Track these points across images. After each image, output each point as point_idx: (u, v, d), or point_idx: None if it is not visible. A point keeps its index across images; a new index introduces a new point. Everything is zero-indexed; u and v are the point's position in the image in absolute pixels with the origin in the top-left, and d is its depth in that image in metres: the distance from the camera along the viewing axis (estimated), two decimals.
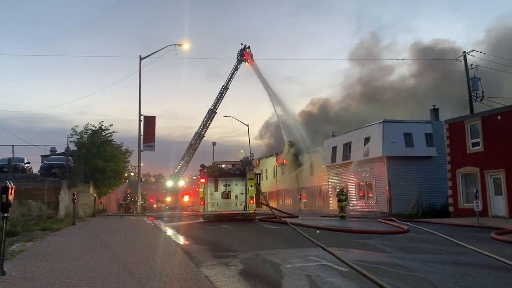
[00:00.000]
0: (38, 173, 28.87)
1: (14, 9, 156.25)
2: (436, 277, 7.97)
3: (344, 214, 27.23)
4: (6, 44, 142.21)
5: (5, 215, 7.21)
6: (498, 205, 23.81)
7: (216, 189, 23.81)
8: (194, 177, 69.40)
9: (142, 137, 33.28)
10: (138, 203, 34.32)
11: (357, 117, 40.26)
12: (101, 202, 33.36)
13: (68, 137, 28.90)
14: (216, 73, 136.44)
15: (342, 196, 27.81)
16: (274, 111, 55.77)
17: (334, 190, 35.43)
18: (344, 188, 29.60)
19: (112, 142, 29.81)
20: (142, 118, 33.36)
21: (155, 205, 62.48)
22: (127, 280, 7.26)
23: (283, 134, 51.84)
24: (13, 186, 7.35)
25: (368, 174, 34.26)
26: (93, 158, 27.14)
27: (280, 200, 53.06)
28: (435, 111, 34.69)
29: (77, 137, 28.70)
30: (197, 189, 30.19)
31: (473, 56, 31.11)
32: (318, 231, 16.56)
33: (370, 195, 34.27)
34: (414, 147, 32.29)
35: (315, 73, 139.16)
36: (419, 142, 32.55)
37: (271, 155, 56.58)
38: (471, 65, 30.57)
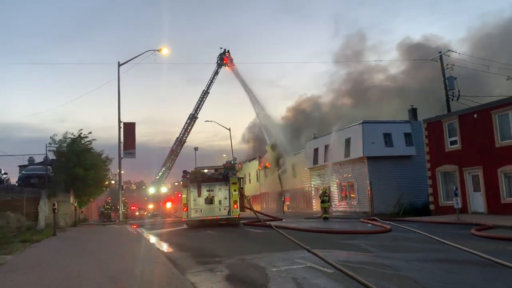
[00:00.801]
0: (16, 184, 28.21)
1: None
2: (420, 275, 8.06)
3: (327, 215, 27.25)
4: None
5: None
6: (477, 201, 24.23)
7: (199, 195, 23.64)
8: (176, 183, 67.93)
9: (122, 144, 33.05)
10: (120, 211, 33.95)
11: (336, 118, 40.47)
12: (82, 212, 32.80)
13: (46, 146, 28.39)
14: (197, 78, 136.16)
15: (325, 197, 27.89)
16: (255, 115, 55.59)
17: (317, 192, 35.60)
18: (327, 189, 29.70)
19: (92, 150, 29.37)
20: (121, 125, 33.13)
21: (137, 213, 61.58)
22: None
23: (266, 138, 51.92)
24: None
25: (350, 175, 34.54)
26: (73, 167, 26.69)
27: (264, 203, 53.10)
28: (413, 111, 35.14)
29: (55, 146, 28.18)
30: (180, 195, 30.08)
31: (456, 53, 31.68)
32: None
33: (352, 195, 34.52)
34: (393, 147, 32.69)
35: (296, 76, 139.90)
36: (398, 142, 32.94)
37: (253, 159, 56.57)
38: (447, 64, 31.13)
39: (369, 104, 47.61)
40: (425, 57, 32.90)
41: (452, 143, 25.83)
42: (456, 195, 22.00)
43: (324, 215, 27.22)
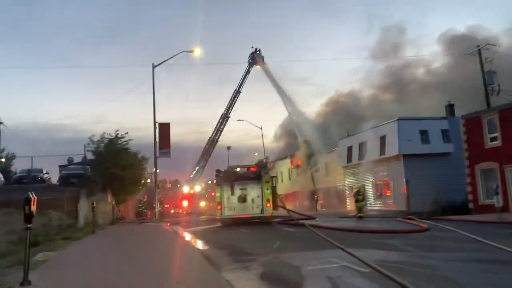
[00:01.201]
0: (57, 183, 29.20)
1: (27, 22, 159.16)
2: (460, 275, 7.87)
3: (362, 215, 26.84)
4: (17, 57, 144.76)
5: (28, 226, 7.33)
6: None
7: (232, 193, 23.87)
8: (210, 182, 68.32)
9: (157, 144, 33.61)
10: (156, 209, 34.47)
11: (373, 114, 39.81)
12: (119, 210, 33.55)
13: (85, 147, 29.29)
14: (229, 78, 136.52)
15: (360, 196, 27.53)
16: (287, 113, 55.51)
17: (351, 191, 35.16)
18: (361, 188, 29.38)
19: (129, 150, 30.06)
20: (157, 125, 33.74)
21: (172, 211, 62.28)
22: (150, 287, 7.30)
23: (298, 136, 51.67)
24: (35, 197, 7.46)
25: (385, 173, 34.10)
26: (110, 167, 27.35)
27: (297, 202, 52.88)
28: (450, 107, 34.62)
29: (94, 146, 29.03)
30: (214, 193, 30.20)
31: (496, 46, 30.51)
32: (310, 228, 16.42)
33: (388, 194, 34.01)
34: (430, 144, 32.19)
35: (328, 73, 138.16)
36: (435, 139, 32.44)
37: (285, 157, 56.36)
38: (486, 58, 30.13)
39: (407, 100, 46.26)
40: (469, 49, 31.85)
41: (492, 139, 25.08)
42: (496, 193, 21.30)
43: (359, 214, 26.90)
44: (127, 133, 29.78)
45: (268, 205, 23.47)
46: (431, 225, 18.51)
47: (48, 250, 12.27)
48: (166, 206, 61.17)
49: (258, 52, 52.54)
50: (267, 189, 23.67)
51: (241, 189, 24.01)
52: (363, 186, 33.96)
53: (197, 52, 34.64)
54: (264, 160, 26.44)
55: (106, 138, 29.22)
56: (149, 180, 43.86)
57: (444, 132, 32.60)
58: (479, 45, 31.34)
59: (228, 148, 61.31)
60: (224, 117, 53.22)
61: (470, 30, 52.94)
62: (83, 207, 24.68)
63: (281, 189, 46.53)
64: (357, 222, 23.62)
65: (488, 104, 29.21)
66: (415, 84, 51.81)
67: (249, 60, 52.80)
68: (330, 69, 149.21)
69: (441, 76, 49.42)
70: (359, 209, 27.21)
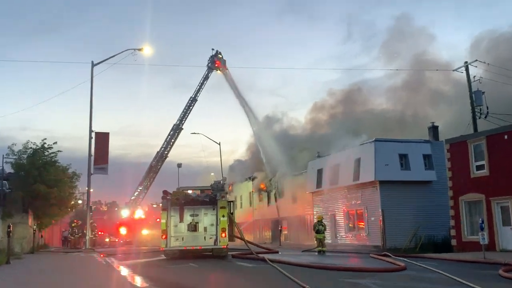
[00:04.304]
0: None
1: None
2: None
3: (324, 249, 27.21)
4: None
5: None
6: (507, 237, 24.12)
7: (181, 220, 23.60)
8: (155, 206, 68.35)
9: (93, 158, 33.05)
10: (87, 237, 33.69)
11: (352, 132, 40.51)
12: (42, 236, 32.76)
13: (3, 158, 28.29)
14: (183, 84, 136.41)
15: (321, 226, 27.88)
16: (250, 128, 55.88)
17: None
18: (322, 217, 29.82)
19: (57, 164, 29.45)
20: (93, 135, 33.17)
21: (107, 239, 61.59)
22: None
23: (261, 155, 51.75)
24: None
25: (359, 202, 34.47)
26: (33, 183, 26.72)
27: (257, 232, 52.81)
28: (434, 129, 35.24)
29: (14, 157, 28.14)
30: (159, 220, 29.86)
31: (485, 63, 31.90)
32: None
33: (361, 225, 34.40)
34: (410, 170, 32.68)
35: (300, 84, 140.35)
36: (416, 164, 32.93)
37: (247, 179, 56.30)
38: (474, 77, 31.36)
39: (381, 122, 47.44)
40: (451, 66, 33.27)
41: (479, 168, 25.86)
42: (482, 228, 21.77)
43: (320, 248, 27.17)
44: (55, 143, 29.19)
45: (223, 235, 23.35)
46: (408, 263, 18.81)
47: None
48: (100, 233, 60.54)
49: (219, 55, 52.86)
50: (223, 216, 23.56)
51: (191, 215, 23.80)
52: (334, 215, 34.61)
53: (147, 50, 34.63)
54: (222, 182, 25.79)
55: (31, 148, 28.40)
56: (80, 201, 42.74)
57: (426, 158, 33.19)
58: (466, 62, 32.62)
59: (179, 165, 60.77)
60: (176, 129, 52.97)
61: (452, 45, 55.02)
62: None
63: (239, 217, 47.07)
64: (322, 258, 23.88)
65: (475, 128, 30.21)
66: (393, 103, 53.13)
67: (208, 63, 52.94)
68: (304, 79, 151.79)
69: (423, 96, 50.94)
70: (320, 242, 27.51)
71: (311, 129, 55.34)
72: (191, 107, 53.06)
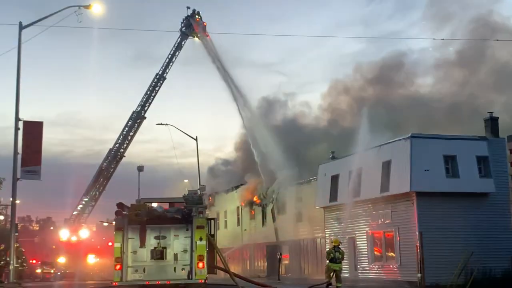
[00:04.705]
0: None
1: None
2: None
3: (339, 285, 25.23)
4: None
5: None
6: None
7: (142, 244, 20.55)
8: (105, 224, 64.86)
9: (20, 157, 29.36)
10: (11, 266, 29.71)
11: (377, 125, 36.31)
12: None
13: None
14: (148, 55, 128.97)
15: (338, 253, 25.40)
16: (240, 117, 50.72)
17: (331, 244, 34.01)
18: (340, 242, 27.39)
19: None
20: (20, 125, 29.45)
21: (39, 270, 58.95)
22: None
23: (254, 154, 47.26)
24: None
25: (388, 221, 31.12)
26: None
27: (248, 261, 50.28)
28: (492, 122, 31.17)
29: None
30: (111, 243, 28.72)
31: None
32: None
33: (391, 254, 31.34)
34: (460, 178, 29.26)
35: (308, 58, 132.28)
36: (468, 170, 29.37)
37: (233, 188, 52.21)
38: None
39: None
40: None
41: None
42: None
43: (337, 284, 25.08)
44: None
45: (200, 265, 20.52)
46: None
47: None
48: (31, 261, 58.50)
49: (197, 17, 48.83)
50: (201, 239, 20.74)
51: (157, 237, 20.81)
52: (353, 239, 31.93)
53: (97, 8, 29.67)
54: (199, 192, 23.33)
55: None
56: (2, 217, 39.39)
57: (481, 161, 29.69)
58: None
59: (140, 168, 55.70)
60: (137, 118, 50.07)
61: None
62: None
63: (223, 240, 44.77)
64: None
65: None
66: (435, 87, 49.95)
67: (181, 27, 49.40)
68: (312, 52, 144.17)
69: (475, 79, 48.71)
70: (336, 275, 25.33)
71: (326, 119, 51.71)
72: (157, 88, 49.93)
